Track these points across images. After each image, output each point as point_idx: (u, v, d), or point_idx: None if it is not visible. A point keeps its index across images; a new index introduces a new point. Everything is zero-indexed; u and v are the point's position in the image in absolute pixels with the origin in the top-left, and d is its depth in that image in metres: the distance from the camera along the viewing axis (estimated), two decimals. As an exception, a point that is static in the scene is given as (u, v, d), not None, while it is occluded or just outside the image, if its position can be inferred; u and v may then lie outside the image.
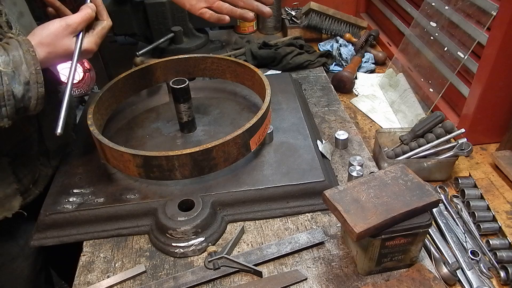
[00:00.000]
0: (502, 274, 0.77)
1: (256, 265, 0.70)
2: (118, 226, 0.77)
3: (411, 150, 0.99)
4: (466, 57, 1.02)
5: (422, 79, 1.22)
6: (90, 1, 0.76)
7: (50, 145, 0.88)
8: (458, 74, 1.08)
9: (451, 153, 0.96)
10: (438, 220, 0.88)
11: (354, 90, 1.34)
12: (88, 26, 0.75)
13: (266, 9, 1.01)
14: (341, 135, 0.95)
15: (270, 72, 1.30)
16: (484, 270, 0.78)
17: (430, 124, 0.99)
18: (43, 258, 0.94)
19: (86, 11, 0.73)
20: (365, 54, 1.45)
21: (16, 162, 0.80)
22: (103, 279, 0.70)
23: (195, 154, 0.73)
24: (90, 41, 0.74)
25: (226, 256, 0.70)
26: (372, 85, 1.36)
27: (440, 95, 1.11)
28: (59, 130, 0.67)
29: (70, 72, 0.71)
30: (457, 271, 0.77)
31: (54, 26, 0.70)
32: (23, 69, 0.64)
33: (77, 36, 0.72)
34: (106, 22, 0.77)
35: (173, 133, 0.94)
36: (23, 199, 0.82)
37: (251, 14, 1.02)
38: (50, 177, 0.87)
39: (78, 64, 1.14)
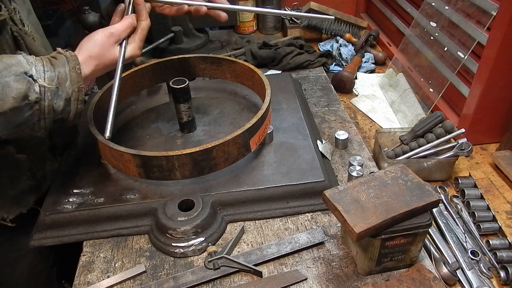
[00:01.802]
0: (502, 274, 0.77)
1: (256, 265, 0.70)
2: (118, 226, 0.77)
3: (411, 150, 0.99)
4: (466, 57, 1.02)
5: (422, 79, 1.22)
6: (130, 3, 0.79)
7: (57, 141, 0.89)
8: (458, 74, 1.08)
9: (451, 153, 0.96)
10: (438, 220, 0.88)
11: (354, 90, 1.33)
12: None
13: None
14: (341, 135, 0.95)
15: (270, 72, 1.30)
16: (484, 270, 0.78)
17: (430, 124, 0.99)
18: (54, 254, 0.95)
19: (127, 20, 0.77)
20: (365, 54, 1.45)
21: (30, 158, 0.81)
22: (103, 279, 0.70)
23: (195, 154, 0.73)
24: (133, 47, 0.77)
25: (226, 256, 0.70)
26: (372, 85, 1.36)
27: (440, 95, 1.11)
28: (107, 134, 0.70)
29: (115, 80, 0.73)
30: (457, 271, 0.77)
31: (99, 36, 0.72)
32: (66, 85, 0.65)
33: (121, 44, 0.75)
34: (144, 23, 0.80)
35: (173, 133, 0.93)
36: (37, 194, 0.83)
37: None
38: (56, 171, 0.88)
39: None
